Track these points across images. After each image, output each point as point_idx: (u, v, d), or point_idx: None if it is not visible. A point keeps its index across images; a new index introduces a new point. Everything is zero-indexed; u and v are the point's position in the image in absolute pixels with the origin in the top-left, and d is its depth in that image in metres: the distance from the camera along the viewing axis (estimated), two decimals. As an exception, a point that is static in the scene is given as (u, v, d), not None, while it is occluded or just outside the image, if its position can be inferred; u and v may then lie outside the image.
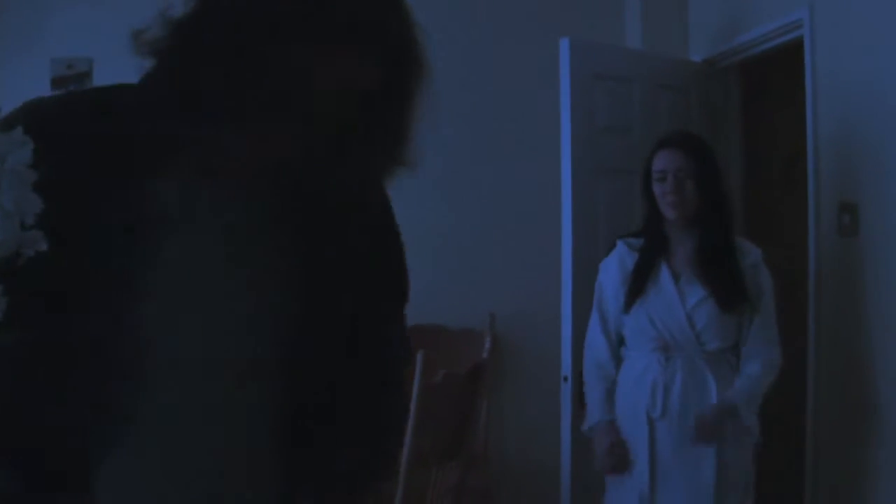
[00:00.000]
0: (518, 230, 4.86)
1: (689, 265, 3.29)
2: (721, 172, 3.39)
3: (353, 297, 1.48)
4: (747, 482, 3.27)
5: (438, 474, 3.34)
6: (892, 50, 3.22)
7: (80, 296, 1.28)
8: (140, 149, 1.30)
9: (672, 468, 3.24)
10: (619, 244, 3.45)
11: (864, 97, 3.39)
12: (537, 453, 4.68)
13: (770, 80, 4.75)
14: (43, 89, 4.74)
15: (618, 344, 3.39)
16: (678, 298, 3.26)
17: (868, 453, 3.31)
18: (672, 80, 4.31)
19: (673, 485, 3.24)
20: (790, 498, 3.87)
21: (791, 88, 4.04)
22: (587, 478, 3.91)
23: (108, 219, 1.28)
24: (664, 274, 3.30)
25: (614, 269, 3.41)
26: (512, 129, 4.86)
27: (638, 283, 3.33)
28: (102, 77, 4.74)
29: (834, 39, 3.56)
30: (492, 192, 4.83)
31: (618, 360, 3.37)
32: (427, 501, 3.31)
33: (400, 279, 1.61)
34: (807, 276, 3.68)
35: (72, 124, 1.32)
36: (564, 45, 3.91)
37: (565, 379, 3.86)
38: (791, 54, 3.88)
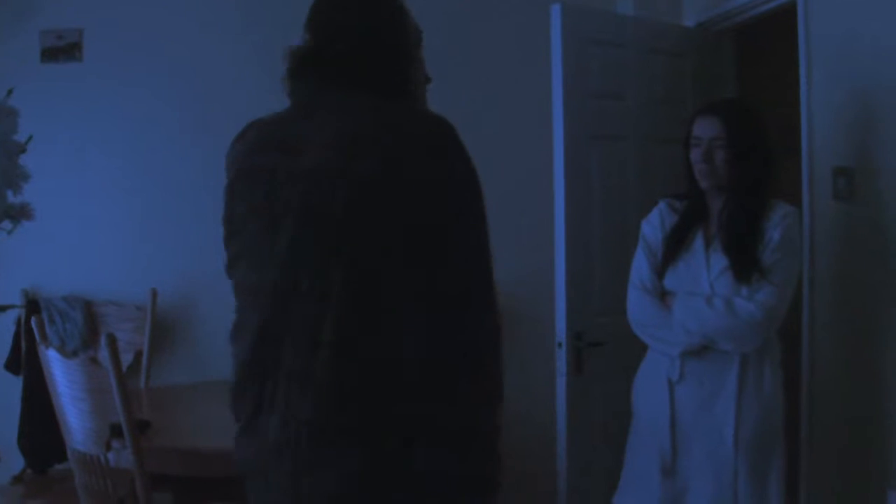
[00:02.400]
0: (510, 197, 4.84)
1: (719, 233, 3.28)
2: (764, 141, 3.28)
3: None
4: (773, 446, 3.21)
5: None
6: (886, 13, 3.21)
7: None
8: None
9: (692, 432, 3.25)
10: (661, 203, 3.45)
11: (859, 60, 3.37)
12: (532, 420, 4.69)
13: (765, 45, 4.72)
14: (33, 61, 4.73)
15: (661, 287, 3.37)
16: (705, 266, 3.26)
17: (866, 414, 3.32)
18: (665, 45, 4.29)
19: (694, 449, 3.24)
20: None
21: (786, 53, 4.02)
22: (584, 443, 3.94)
23: None
24: (698, 240, 3.30)
25: (657, 225, 3.40)
26: (503, 96, 4.85)
27: (672, 250, 3.32)
28: (93, 48, 4.71)
29: (827, 3, 3.54)
30: (483, 158, 4.78)
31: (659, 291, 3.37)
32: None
33: None
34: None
35: None
36: (556, 10, 3.88)
37: (560, 345, 3.87)
38: (786, 18, 3.86)
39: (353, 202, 1.85)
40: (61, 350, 3.48)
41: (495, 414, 1.99)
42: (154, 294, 4.76)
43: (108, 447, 3.29)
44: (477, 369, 1.94)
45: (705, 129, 3.26)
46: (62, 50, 4.73)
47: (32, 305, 4.73)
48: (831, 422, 3.51)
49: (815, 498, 3.57)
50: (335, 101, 2.01)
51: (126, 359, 4.58)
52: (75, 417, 3.42)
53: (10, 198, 1.39)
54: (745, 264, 3.16)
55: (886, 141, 3.24)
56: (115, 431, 3.25)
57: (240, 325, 2.03)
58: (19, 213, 1.36)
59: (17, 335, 4.70)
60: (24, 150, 1.41)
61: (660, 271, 3.34)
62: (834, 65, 3.53)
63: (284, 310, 1.91)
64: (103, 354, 3.27)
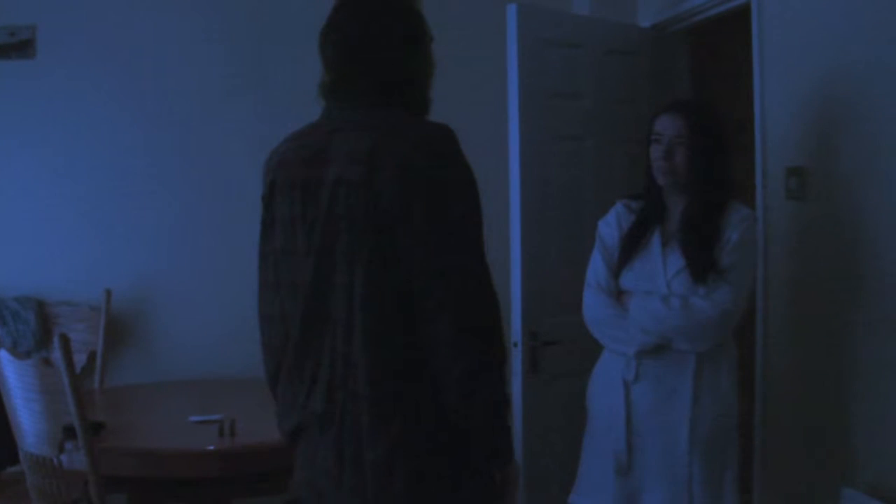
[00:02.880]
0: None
1: (676, 232, 3.27)
2: (725, 142, 3.28)
3: None
4: (728, 446, 3.22)
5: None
6: (838, 15, 3.24)
7: None
8: None
9: (648, 432, 3.23)
10: (618, 204, 3.44)
11: (812, 61, 3.40)
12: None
13: (720, 46, 4.76)
14: (-16, 58, 4.66)
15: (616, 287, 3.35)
16: (662, 265, 3.25)
17: (821, 414, 3.35)
18: (621, 46, 4.31)
19: (649, 449, 3.23)
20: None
21: (740, 54, 4.06)
22: (540, 442, 3.95)
23: None
24: (655, 239, 3.29)
25: (614, 225, 3.39)
26: (459, 96, 4.82)
27: (628, 250, 3.31)
28: (46, 44, 4.66)
29: (780, 4, 3.57)
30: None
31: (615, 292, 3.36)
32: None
33: None
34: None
35: None
36: (512, 10, 3.89)
37: (515, 345, 3.87)
38: (741, 19, 3.89)
39: (372, 209, 2.14)
40: (13, 351, 3.44)
41: (504, 388, 2.23)
42: (108, 294, 4.72)
43: (61, 449, 3.25)
44: (487, 348, 2.17)
45: (667, 126, 3.25)
46: (14, 47, 4.67)
47: (-16, 306, 4.68)
48: (786, 422, 3.54)
49: (769, 498, 3.60)
50: (357, 118, 2.28)
51: (80, 359, 4.54)
52: (27, 419, 3.38)
53: (-40, 197, 1.37)
54: (701, 264, 3.16)
55: (839, 141, 3.27)
56: (69, 433, 3.22)
57: (279, 316, 2.35)
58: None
59: (-32, 336, 4.65)
60: (-27, 150, 1.39)
61: (616, 271, 3.34)
62: (787, 65, 3.56)
63: (323, 300, 2.23)
64: (56, 355, 3.23)
